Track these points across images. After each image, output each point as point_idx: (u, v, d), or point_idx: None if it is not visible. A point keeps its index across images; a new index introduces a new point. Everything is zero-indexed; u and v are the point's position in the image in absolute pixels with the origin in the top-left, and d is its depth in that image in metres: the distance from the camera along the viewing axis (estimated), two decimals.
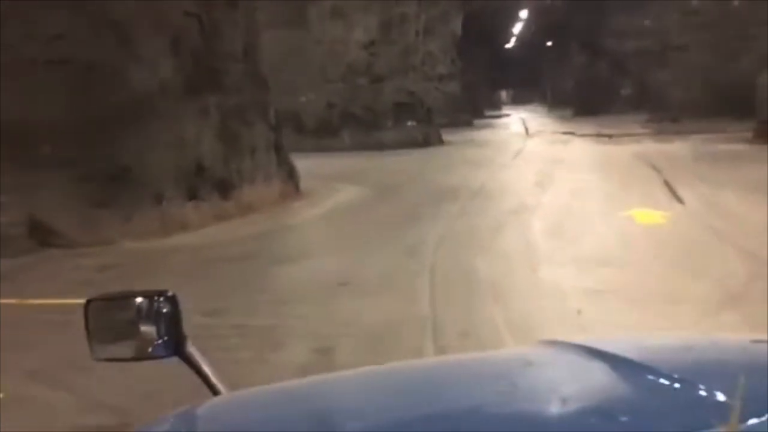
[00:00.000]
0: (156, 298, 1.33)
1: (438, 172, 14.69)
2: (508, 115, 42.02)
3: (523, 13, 42.51)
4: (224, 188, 9.89)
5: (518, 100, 57.58)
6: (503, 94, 58.34)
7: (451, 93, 32.11)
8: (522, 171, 14.63)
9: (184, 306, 1.34)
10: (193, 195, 9.33)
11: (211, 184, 9.64)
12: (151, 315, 1.32)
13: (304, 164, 16.98)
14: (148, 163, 8.81)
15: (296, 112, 20.97)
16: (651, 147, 19.02)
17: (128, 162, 8.63)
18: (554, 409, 0.96)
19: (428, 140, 21.32)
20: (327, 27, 20.56)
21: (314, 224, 9.70)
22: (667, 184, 12.14)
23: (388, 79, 20.78)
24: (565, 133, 24.75)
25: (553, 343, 1.21)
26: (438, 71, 30.94)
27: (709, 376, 0.98)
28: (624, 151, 18.42)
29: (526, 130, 27.20)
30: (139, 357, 1.35)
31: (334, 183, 13.48)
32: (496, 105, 49.52)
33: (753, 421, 0.80)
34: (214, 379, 1.31)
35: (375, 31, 20.71)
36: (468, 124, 32.27)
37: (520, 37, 51.42)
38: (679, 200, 10.54)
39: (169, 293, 1.32)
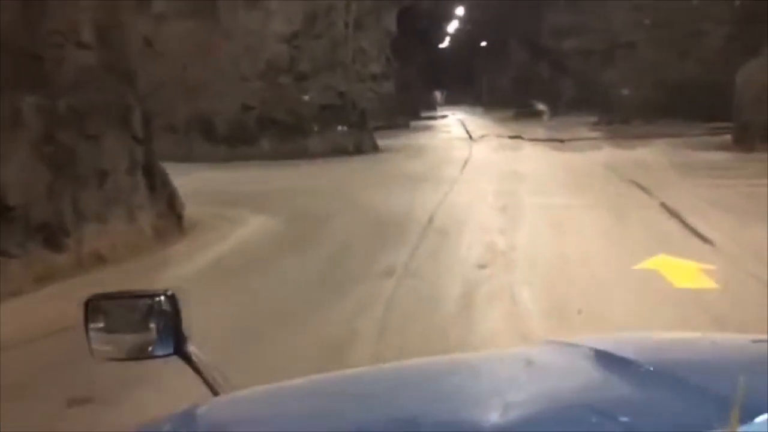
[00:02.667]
0: (156, 297, 1.30)
1: (374, 192, 11.32)
2: (444, 117, 38.94)
3: (459, 10, 39.51)
4: (51, 234, 6.34)
5: (453, 101, 54.64)
6: (438, 95, 55.38)
7: (386, 94, 28.79)
8: (477, 190, 11.38)
9: None
10: None
11: (25, 228, 6.08)
12: (151, 314, 1.29)
13: (209, 180, 13.48)
14: None
15: (205, 117, 17.36)
16: (616, 155, 16.03)
17: None
18: (555, 408, 0.93)
19: (361, 147, 17.94)
20: (240, 17, 16.99)
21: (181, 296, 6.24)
22: (668, 210, 9.05)
23: (314, 77, 17.33)
24: (512, 137, 21.68)
25: (554, 343, 1.17)
26: (371, 70, 27.54)
27: (709, 376, 0.96)
28: (587, 160, 15.37)
29: (469, 133, 24.05)
30: (139, 356, 1.32)
31: (240, 209, 10.00)
32: (432, 106, 46.41)
33: (753, 421, 0.76)
34: (214, 379, 1.28)
35: (297, 22, 17.23)
36: (404, 126, 29.01)
37: (455, 36, 48.56)
38: (703, 238, 7.41)
39: (169, 292, 1.30)
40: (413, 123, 30.79)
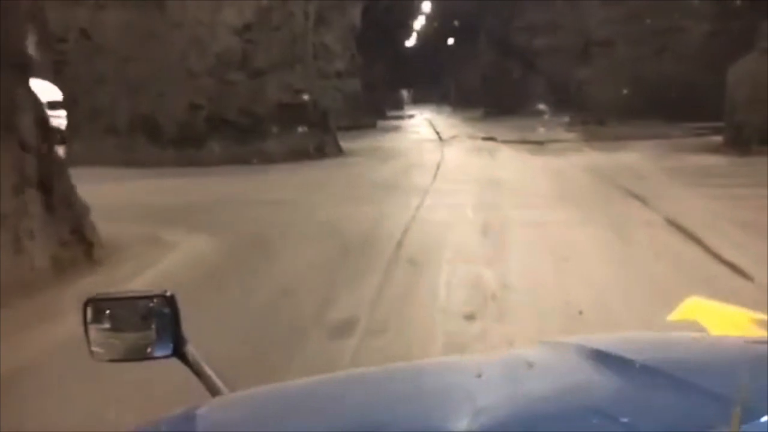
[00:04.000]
0: (155, 298, 1.30)
1: (334, 206, 9.69)
2: (412, 116, 37.41)
3: (426, 7, 37.98)
4: None
5: (420, 100, 53.22)
6: (405, 94, 53.83)
7: (352, 92, 27.19)
8: (452, 202, 9.81)
9: None
10: None
11: None
12: (150, 315, 1.29)
13: (149, 189, 11.75)
14: None
15: (150, 116, 15.57)
16: (599, 159, 14.60)
17: None
18: (555, 409, 0.92)
19: (323, 150, 16.28)
20: (188, 6, 15.22)
21: (61, 367, 4.51)
22: (677, 228, 7.58)
23: (271, 73, 15.62)
24: (485, 138, 20.19)
25: (554, 344, 1.17)
26: (336, 67, 25.96)
27: (709, 376, 0.95)
28: (570, 165, 13.90)
29: (438, 134, 22.50)
30: (139, 357, 1.32)
31: (176, 228, 8.30)
32: (399, 105, 44.89)
33: (753, 421, 0.76)
34: (213, 380, 1.27)
35: (251, 13, 15.51)
36: (371, 126, 27.40)
37: (422, 34, 47.07)
38: (735, 269, 5.92)
39: (168, 294, 1.30)
40: (380, 123, 29.19)
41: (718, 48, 22.83)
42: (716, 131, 18.14)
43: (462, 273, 6.07)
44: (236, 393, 1.19)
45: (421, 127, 28.51)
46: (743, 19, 22.52)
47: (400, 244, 7.25)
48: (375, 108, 30.89)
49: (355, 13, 26.01)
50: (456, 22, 37.50)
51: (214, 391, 1.26)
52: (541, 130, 20.95)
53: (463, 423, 0.88)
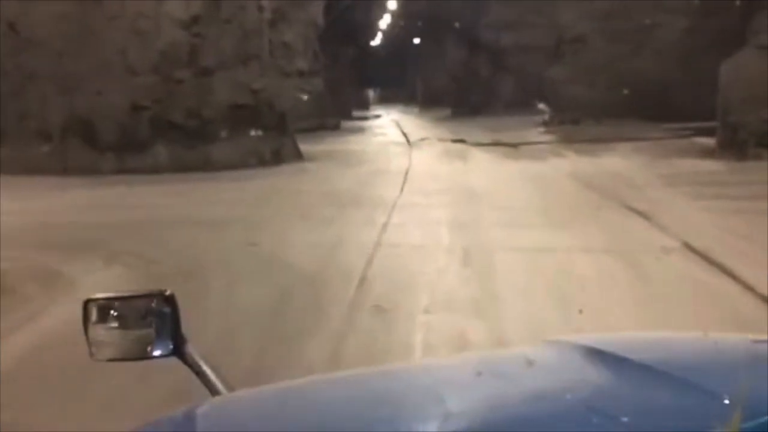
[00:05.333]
0: (154, 298, 1.28)
1: (284, 226, 8.06)
2: (378, 117, 35.85)
3: (392, 4, 36.41)
4: None
5: (386, 100, 51.67)
6: (371, 94, 52.24)
7: (315, 92, 25.50)
8: (424, 220, 8.25)
9: None
10: None
11: None
12: (150, 315, 1.27)
13: (74, 203, 10.02)
14: None
15: (86, 119, 13.80)
16: (583, 164, 13.17)
17: None
18: (555, 408, 0.91)
19: (280, 155, 14.62)
20: None
21: None
22: (702, 257, 6.12)
23: (221, 71, 13.92)
24: (455, 141, 18.68)
25: (554, 343, 1.14)
26: (297, 66, 24.24)
27: (709, 376, 0.94)
28: (552, 171, 12.45)
29: (406, 136, 20.95)
30: (139, 357, 1.29)
31: (90, 257, 6.66)
32: (364, 105, 43.29)
33: (753, 421, 0.75)
34: (213, 379, 1.24)
35: (199, 5, 13.80)
36: (335, 128, 25.78)
37: (387, 33, 45.53)
38: None
39: (168, 293, 1.27)
40: (345, 124, 27.56)
41: (695, 45, 21.68)
42: (700, 132, 16.92)
43: (445, 330, 4.50)
44: (236, 393, 1.18)
45: (388, 128, 26.95)
46: (721, 16, 21.42)
47: (362, 282, 5.67)
48: (340, 108, 29.25)
49: (317, 10, 24.33)
50: (422, 21, 35.99)
51: (214, 390, 1.22)
52: (485, 133, 19.44)
53: (463, 422, 0.86)
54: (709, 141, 14.42)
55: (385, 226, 7.94)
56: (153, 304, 1.27)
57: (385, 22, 42.45)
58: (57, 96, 13.74)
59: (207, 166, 13.47)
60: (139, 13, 13.58)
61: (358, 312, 4.88)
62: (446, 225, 7.91)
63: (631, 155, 13.94)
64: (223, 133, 13.89)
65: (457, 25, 32.53)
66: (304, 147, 16.21)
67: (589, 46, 22.56)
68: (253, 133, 14.22)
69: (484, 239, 7.14)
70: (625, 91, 19.63)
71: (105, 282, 5.85)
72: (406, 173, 12.68)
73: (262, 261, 6.48)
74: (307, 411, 0.98)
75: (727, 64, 12.74)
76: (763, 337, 1.13)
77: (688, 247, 6.50)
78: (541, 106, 22.76)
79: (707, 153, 13.24)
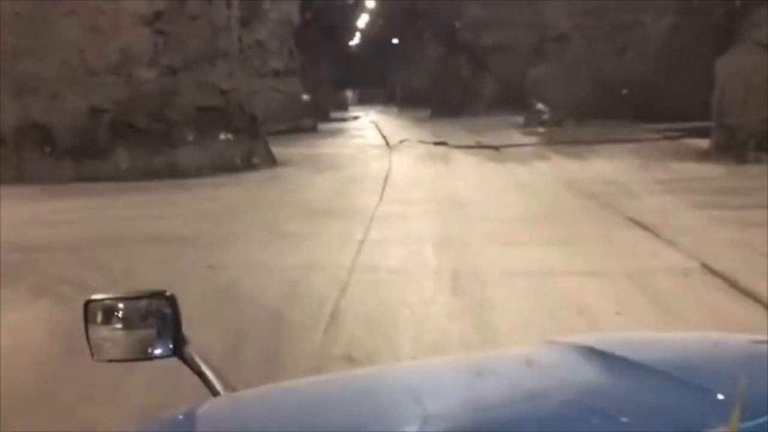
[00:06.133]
0: (155, 298, 1.27)
1: (249, 249, 7.04)
2: (357, 117, 34.88)
3: (370, 4, 35.45)
4: None
5: (365, 101, 50.76)
6: (349, 94, 51.26)
7: (291, 93, 24.49)
8: (406, 237, 7.28)
9: None
10: None
11: None
12: (151, 315, 1.26)
13: (17, 218, 8.90)
14: None
15: (42, 123, 12.69)
16: (572, 169, 12.29)
17: None
18: (554, 408, 0.90)
19: (252, 161, 13.61)
20: None
21: None
22: (732, 284, 5.22)
23: (187, 71, 12.87)
24: (436, 143, 17.75)
25: (554, 343, 1.13)
26: (272, 66, 23.24)
27: (709, 376, 0.93)
28: (541, 177, 11.55)
29: (385, 139, 19.98)
30: (139, 357, 1.29)
31: (13, 287, 5.63)
32: (343, 106, 42.32)
33: (753, 421, 0.74)
34: (213, 380, 1.23)
35: (162, 1, 12.74)
36: (312, 129, 24.77)
37: (366, 32, 44.58)
38: None
39: (168, 293, 1.26)
40: (322, 126, 26.55)
41: (680, 43, 20.94)
42: (689, 133, 16.15)
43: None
44: (236, 393, 1.18)
45: (367, 129, 25.96)
46: (706, 13, 20.68)
47: (333, 319, 4.70)
48: (317, 109, 28.24)
49: (292, 8, 23.32)
50: (401, 20, 35.04)
51: (214, 390, 1.21)
52: (467, 135, 18.54)
53: (463, 421, 0.86)
54: (702, 143, 13.62)
55: (362, 243, 6.98)
56: (154, 305, 1.26)
57: (363, 21, 41.50)
58: (10, 99, 12.63)
59: (172, 173, 12.44)
60: (98, 9, 12.50)
61: (325, 364, 3.91)
62: (430, 242, 6.96)
63: (622, 158, 13.09)
64: (190, 137, 12.85)
65: (435, 24, 31.63)
66: (279, 150, 15.21)
67: (574, 44, 21.72)
68: (222, 136, 13.19)
69: (475, 260, 6.20)
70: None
71: (21, 326, 4.83)
72: (386, 179, 11.72)
73: (219, 290, 5.49)
74: (307, 411, 0.96)
75: (723, 61, 11.92)
76: (763, 337, 1.10)
77: (708, 268, 5.61)
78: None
79: (702, 156, 12.41)
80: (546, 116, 21.50)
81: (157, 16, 12.56)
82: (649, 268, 5.70)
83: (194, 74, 12.78)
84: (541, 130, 20.43)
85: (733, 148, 11.40)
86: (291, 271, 5.94)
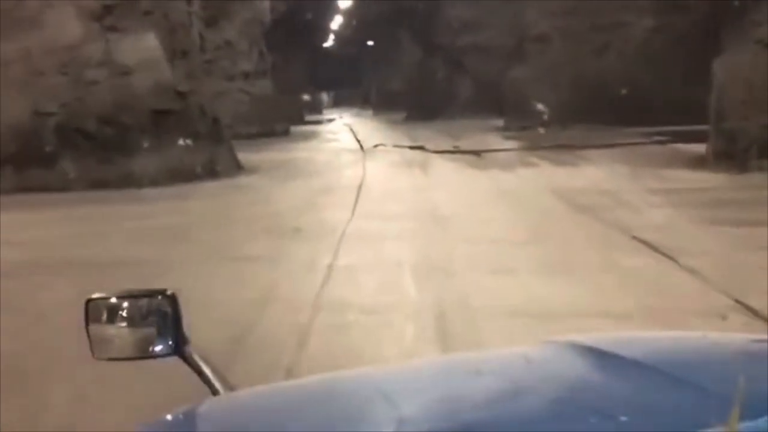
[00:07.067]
0: (156, 297, 1.25)
1: (198, 280, 5.83)
2: (332, 120, 33.75)
3: (344, 4, 34.33)
4: None
5: (341, 103, 49.65)
6: (325, 97, 50.08)
7: (262, 95, 23.29)
8: (380, 262, 6.17)
9: None
10: None
11: None
12: (152, 314, 1.24)
13: None
14: None
15: None
16: (561, 177, 11.27)
17: None
18: (554, 408, 0.89)
19: (214, 169, 12.43)
20: None
21: None
22: None
23: (142, 71, 11.66)
24: (412, 147, 16.69)
25: (554, 343, 1.11)
26: (241, 67, 22.04)
27: (709, 376, 0.92)
28: (529, 187, 10.51)
29: (360, 143, 18.88)
30: (140, 356, 1.26)
31: None
32: (317, 109, 41.15)
33: (753, 421, 0.73)
34: (214, 379, 1.21)
35: None
36: (284, 133, 23.57)
37: (340, 34, 43.45)
38: None
39: (169, 292, 1.24)
40: (295, 129, 25.33)
41: (662, 44, 20.10)
42: (677, 138, 15.27)
43: None
44: (236, 392, 1.17)
45: (341, 133, 24.83)
46: (688, 13, 19.86)
47: (290, 375, 3.60)
48: (290, 112, 27.04)
49: (262, 7, 22.13)
50: (376, 21, 33.97)
51: (214, 390, 1.19)
52: (444, 139, 17.52)
53: (462, 420, 0.85)
54: (694, 148, 12.69)
55: (329, 269, 5.87)
56: (155, 304, 1.24)
57: (337, 23, 40.37)
58: None
59: (126, 183, 11.25)
60: (44, 4, 11.25)
61: None
62: (408, 269, 5.87)
63: (611, 165, 12.12)
64: (145, 143, 11.64)
65: (410, 25, 30.59)
66: (246, 156, 14.05)
67: (554, 45, 20.77)
68: (180, 142, 12.00)
69: (462, 294, 5.12)
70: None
71: None
72: (359, 189, 10.62)
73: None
74: (307, 410, 0.95)
75: (722, 61, 10.97)
76: (763, 336, 1.09)
77: (744, 306, 4.58)
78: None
79: (698, 163, 11.46)
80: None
81: (108, 10, 11.35)
82: (675, 307, 4.65)
83: (149, 74, 11.57)
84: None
85: (734, 155, 10.45)
86: (239, 311, 4.82)
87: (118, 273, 5.96)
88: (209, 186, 11.39)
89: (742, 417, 0.68)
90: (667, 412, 0.83)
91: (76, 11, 11.24)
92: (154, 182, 11.31)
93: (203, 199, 10.14)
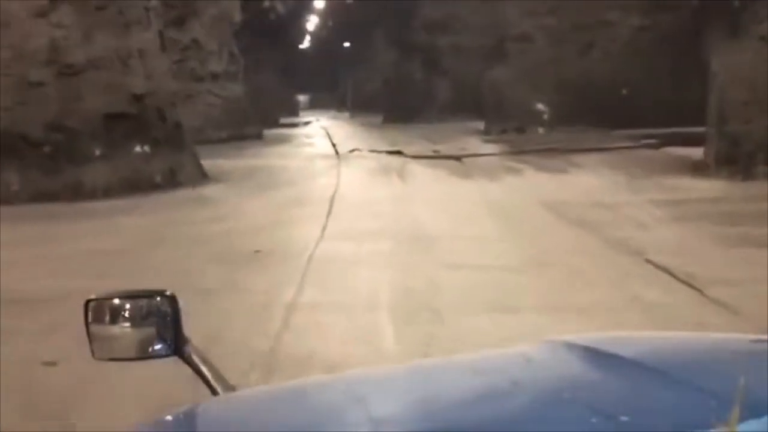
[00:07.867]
0: (156, 297, 1.24)
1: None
2: (308, 123, 32.65)
3: (319, 4, 33.23)
4: None
5: (317, 105, 48.53)
6: (301, 99, 48.93)
7: (233, 98, 22.13)
8: (351, 300, 5.11)
9: None
10: None
11: None
12: (151, 314, 1.23)
13: None
14: None
15: None
16: (550, 185, 10.30)
17: None
18: (554, 408, 0.87)
19: (176, 177, 11.29)
20: None
21: None
22: None
23: (93, 71, 10.50)
24: (390, 152, 15.65)
25: (554, 343, 1.08)
26: (211, 68, 20.87)
27: (709, 376, 0.90)
28: (517, 196, 9.51)
29: (335, 147, 17.81)
30: (140, 356, 1.25)
31: None
32: (293, 111, 39.97)
33: (753, 421, 0.71)
34: (213, 379, 1.20)
35: None
36: (257, 137, 22.42)
37: (316, 35, 42.34)
38: None
39: (168, 293, 1.23)
40: (269, 132, 24.17)
41: (649, 43, 19.26)
42: (669, 141, 14.39)
43: None
44: (236, 392, 1.16)
45: (317, 137, 23.73)
46: (675, 12, 19.05)
47: None
48: (264, 115, 25.87)
49: (232, 6, 20.97)
50: (352, 21, 32.91)
51: (214, 390, 1.19)
52: (422, 142, 16.53)
53: (461, 420, 0.84)
54: (689, 152, 11.79)
55: (288, 311, 4.80)
56: (154, 304, 1.23)
57: (312, 23, 39.25)
58: None
59: (76, 194, 10.10)
60: None
61: None
62: (386, 308, 4.82)
63: (603, 171, 11.18)
64: (97, 151, 10.49)
65: (387, 26, 29.57)
66: (213, 163, 12.94)
67: (536, 45, 19.84)
68: (137, 149, 10.85)
69: (455, 344, 4.08)
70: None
71: None
72: (332, 200, 9.56)
73: (43, 420, 3.27)
74: (307, 411, 0.94)
75: (721, 59, 10.05)
76: (763, 336, 1.07)
77: None
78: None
79: (696, 169, 10.54)
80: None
81: (54, 6, 10.16)
82: None
83: (101, 75, 10.41)
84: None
85: (737, 160, 9.53)
86: (165, 374, 3.74)
87: (34, 313, 4.89)
88: (167, 197, 10.26)
89: (742, 417, 0.67)
90: (667, 412, 0.82)
91: (19, 6, 10.06)
92: (107, 194, 10.19)
93: (155, 213, 9.01)
